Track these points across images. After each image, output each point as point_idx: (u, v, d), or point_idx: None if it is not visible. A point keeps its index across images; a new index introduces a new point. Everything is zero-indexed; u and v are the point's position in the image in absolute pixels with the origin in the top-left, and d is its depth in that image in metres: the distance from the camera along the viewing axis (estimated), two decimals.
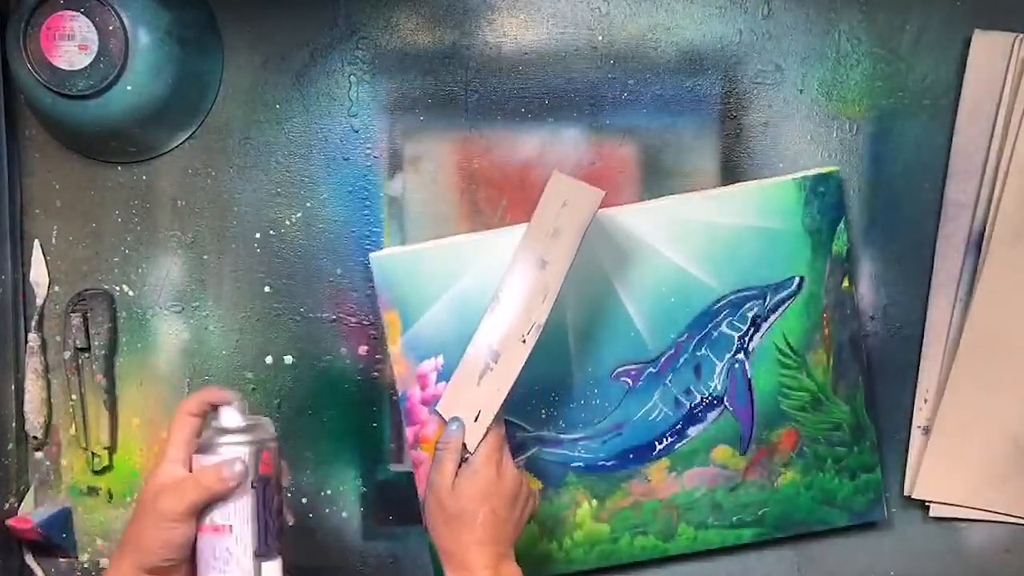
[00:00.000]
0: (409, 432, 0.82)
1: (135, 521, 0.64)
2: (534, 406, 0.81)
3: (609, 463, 0.83)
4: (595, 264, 0.80)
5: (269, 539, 0.65)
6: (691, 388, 0.82)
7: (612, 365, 0.81)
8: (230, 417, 0.66)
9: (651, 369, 0.81)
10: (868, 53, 0.83)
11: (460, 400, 0.72)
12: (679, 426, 0.82)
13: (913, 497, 0.85)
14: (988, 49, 0.81)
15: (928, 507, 0.86)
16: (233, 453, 0.64)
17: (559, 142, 0.83)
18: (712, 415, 0.82)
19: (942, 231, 0.83)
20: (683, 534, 0.84)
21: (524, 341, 0.70)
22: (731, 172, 0.83)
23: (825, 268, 0.81)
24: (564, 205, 0.72)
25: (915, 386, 0.85)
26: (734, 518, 0.84)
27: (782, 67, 0.83)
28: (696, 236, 0.80)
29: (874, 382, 0.85)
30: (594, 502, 0.83)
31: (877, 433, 0.84)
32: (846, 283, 0.82)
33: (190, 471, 0.65)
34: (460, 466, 0.70)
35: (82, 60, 0.75)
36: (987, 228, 0.81)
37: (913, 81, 0.83)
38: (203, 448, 0.65)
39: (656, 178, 0.83)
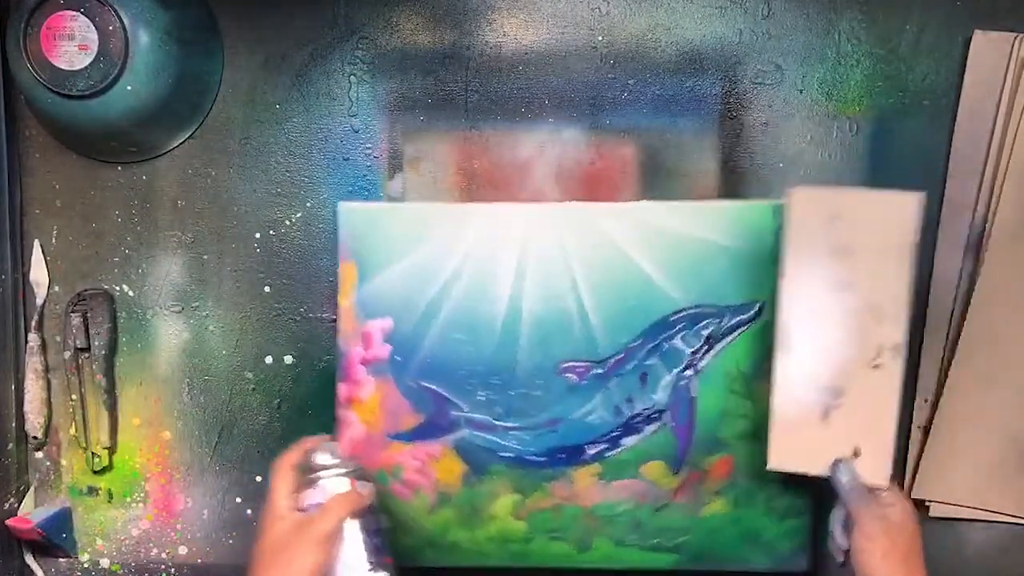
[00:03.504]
0: (342, 389, 0.81)
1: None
2: (473, 386, 0.80)
3: (538, 458, 0.81)
4: (560, 256, 0.79)
5: (376, 556, 0.69)
6: (633, 397, 0.80)
7: (559, 359, 0.80)
8: (324, 456, 0.71)
9: (598, 370, 0.80)
10: (868, 53, 0.83)
11: (803, 448, 0.71)
12: (615, 434, 0.81)
13: (913, 497, 0.85)
14: (988, 49, 0.81)
15: (928, 507, 0.86)
16: (339, 483, 0.69)
17: (559, 142, 0.83)
18: (650, 428, 0.81)
19: (942, 231, 0.83)
20: (599, 548, 0.82)
21: (877, 367, 0.70)
22: (731, 172, 0.83)
23: None
24: (836, 219, 0.71)
25: (915, 386, 0.85)
26: (654, 540, 0.82)
27: (782, 67, 0.83)
28: (665, 245, 0.79)
29: None
30: (515, 497, 0.82)
31: None
32: None
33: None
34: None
35: (82, 60, 0.75)
36: (987, 228, 0.81)
37: (913, 81, 0.83)
38: (308, 485, 0.69)
39: (656, 178, 0.83)
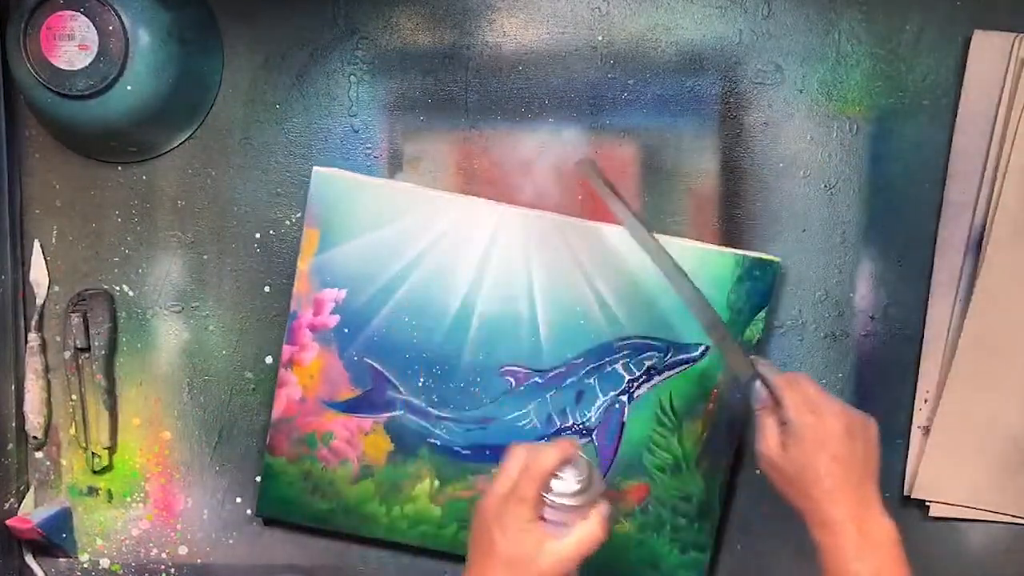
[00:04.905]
0: (286, 350, 0.82)
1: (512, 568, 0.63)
2: (415, 371, 0.81)
3: (464, 451, 0.83)
4: (522, 261, 0.80)
5: None
6: (567, 410, 0.82)
7: (503, 361, 0.81)
8: (573, 473, 0.65)
9: (537, 378, 0.82)
10: (868, 53, 0.82)
11: (739, 364, 0.72)
12: (542, 442, 0.82)
13: (913, 497, 0.85)
14: (988, 49, 0.81)
15: (928, 507, 0.86)
16: (584, 511, 0.65)
17: (559, 142, 0.83)
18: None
19: (942, 231, 0.83)
20: None
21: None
22: (731, 172, 0.83)
23: None
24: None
25: (915, 386, 0.85)
26: None
27: (782, 67, 0.83)
28: (624, 271, 0.80)
29: (874, 382, 0.85)
30: (436, 483, 0.83)
31: None
32: None
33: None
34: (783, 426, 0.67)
35: (82, 60, 0.75)
36: (987, 228, 0.81)
37: (913, 81, 0.83)
38: (555, 503, 0.65)
39: (656, 178, 0.83)
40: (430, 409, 0.82)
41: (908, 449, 0.85)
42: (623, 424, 0.82)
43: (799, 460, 0.66)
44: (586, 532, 0.64)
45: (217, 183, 0.85)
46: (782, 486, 0.68)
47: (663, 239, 0.81)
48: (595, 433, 0.83)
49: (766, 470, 0.68)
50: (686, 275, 0.73)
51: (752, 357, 0.72)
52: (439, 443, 0.83)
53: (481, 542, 0.64)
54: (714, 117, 0.83)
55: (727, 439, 0.83)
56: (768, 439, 0.68)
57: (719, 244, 0.82)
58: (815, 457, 0.65)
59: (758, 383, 0.70)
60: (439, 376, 0.82)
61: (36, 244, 0.85)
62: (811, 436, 0.65)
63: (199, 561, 0.88)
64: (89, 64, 0.75)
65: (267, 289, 0.85)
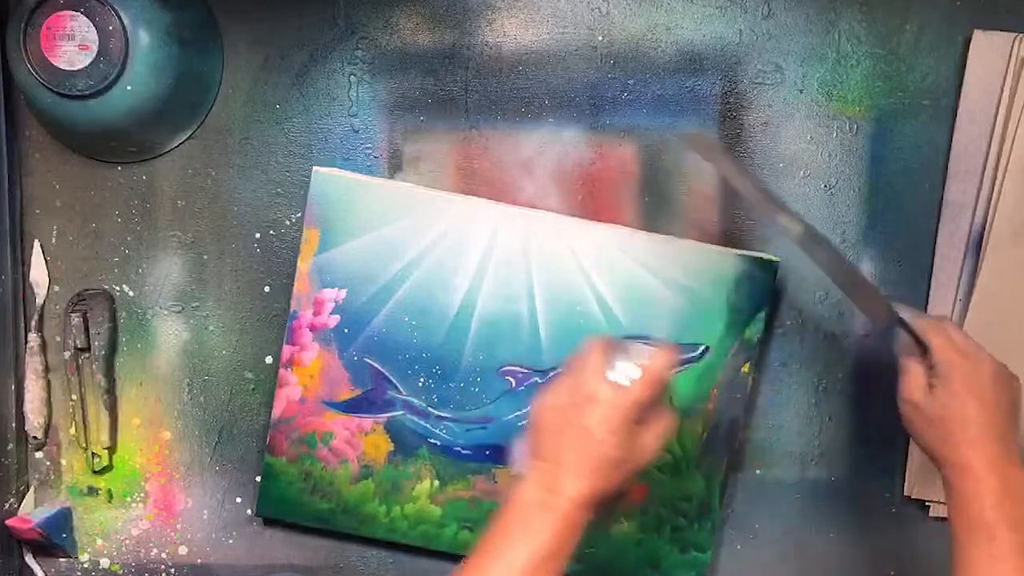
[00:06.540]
0: (286, 350, 0.82)
1: (616, 467, 0.63)
2: (416, 371, 0.81)
3: (464, 451, 0.83)
4: (522, 261, 0.80)
5: None
6: None
7: (503, 361, 0.81)
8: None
9: (537, 378, 0.81)
10: (868, 53, 0.83)
11: (878, 310, 0.72)
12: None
13: (913, 497, 0.85)
14: (988, 49, 0.81)
15: (928, 507, 0.86)
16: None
17: (559, 142, 0.83)
18: None
19: (942, 231, 0.83)
20: None
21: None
22: None
23: (732, 347, 0.81)
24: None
25: None
26: None
27: (782, 67, 0.83)
28: (624, 272, 0.80)
29: (874, 382, 0.85)
30: (436, 483, 0.83)
31: (870, 438, 0.83)
32: (746, 368, 0.82)
33: None
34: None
35: (82, 60, 0.75)
36: (987, 228, 0.81)
37: (913, 81, 0.83)
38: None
39: (656, 178, 0.83)
40: (430, 409, 0.82)
41: (908, 449, 0.85)
42: None
43: (944, 401, 0.66)
44: (668, 423, 0.66)
45: (217, 183, 0.85)
46: (922, 429, 0.68)
47: (663, 239, 0.81)
48: None
49: (907, 413, 0.69)
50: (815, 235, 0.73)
51: (893, 303, 0.72)
52: (439, 443, 0.83)
53: (575, 443, 0.63)
54: (714, 117, 0.83)
55: (727, 439, 0.83)
56: (913, 381, 0.68)
57: (719, 244, 0.82)
58: (964, 399, 0.65)
59: (901, 325, 0.70)
60: (439, 376, 0.82)
61: (36, 244, 0.85)
62: (961, 379, 0.66)
63: (199, 561, 0.88)
64: (89, 64, 0.75)
65: (267, 289, 0.85)
